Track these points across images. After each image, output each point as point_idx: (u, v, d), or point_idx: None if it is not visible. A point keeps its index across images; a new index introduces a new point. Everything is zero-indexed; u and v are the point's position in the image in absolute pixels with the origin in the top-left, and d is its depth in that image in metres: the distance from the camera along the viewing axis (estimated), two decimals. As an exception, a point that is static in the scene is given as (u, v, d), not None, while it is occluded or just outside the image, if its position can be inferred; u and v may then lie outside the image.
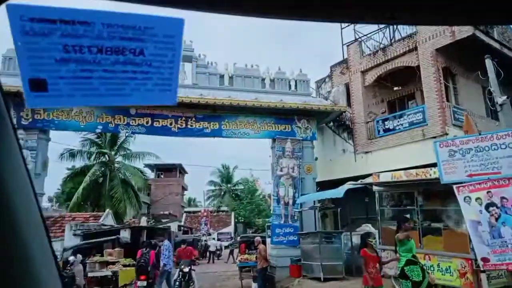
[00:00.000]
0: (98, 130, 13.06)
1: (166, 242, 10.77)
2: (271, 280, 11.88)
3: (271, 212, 13.49)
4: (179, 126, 12.88)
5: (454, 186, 5.80)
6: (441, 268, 7.00)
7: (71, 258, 12.92)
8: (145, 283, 9.57)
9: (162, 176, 47.90)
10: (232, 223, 42.62)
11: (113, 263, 11.95)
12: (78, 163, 26.95)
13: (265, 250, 11.40)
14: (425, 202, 7.69)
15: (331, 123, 15.47)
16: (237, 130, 13.40)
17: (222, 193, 48.56)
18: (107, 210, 22.55)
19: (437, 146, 6.11)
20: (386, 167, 11.05)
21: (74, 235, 17.68)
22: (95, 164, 26.68)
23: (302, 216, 13.12)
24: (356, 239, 11.08)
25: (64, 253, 14.76)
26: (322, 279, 10.10)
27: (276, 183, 13.34)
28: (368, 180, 10.31)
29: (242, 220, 46.26)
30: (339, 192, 10.81)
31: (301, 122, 13.93)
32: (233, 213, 43.49)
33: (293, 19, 0.66)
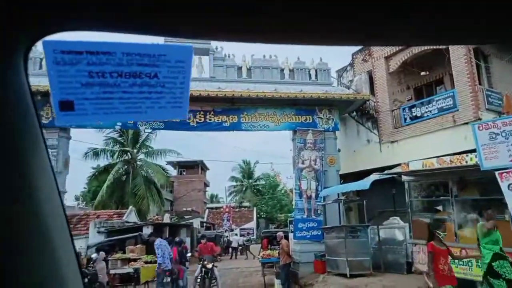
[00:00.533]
0: (117, 127, 12.98)
1: (157, 240, 10.17)
2: (295, 276, 11.46)
3: (293, 206, 13.03)
4: (197, 120, 12.60)
5: (497, 173, 5.20)
6: (480, 264, 6.37)
7: (94, 255, 12.92)
8: (169, 279, 9.87)
9: (184, 173, 48.18)
10: (254, 218, 42.37)
11: (135, 260, 11.84)
12: (102, 161, 27.32)
13: (288, 246, 11.00)
14: (461, 192, 7.05)
15: (354, 113, 14.82)
16: (256, 122, 12.99)
17: (244, 188, 48.38)
18: (130, 207, 22.68)
19: (476, 129, 5.50)
20: (414, 157, 10.34)
21: (98, 232, 17.80)
22: (118, 162, 26.93)
23: (325, 210, 12.60)
24: (383, 233, 10.51)
25: (88, 250, 14.84)
26: (348, 275, 9.60)
27: (298, 176, 12.86)
28: (396, 170, 9.71)
29: (264, 216, 45.98)
30: (365, 183, 10.24)
31: (323, 113, 13.37)
32: (255, 209, 43.22)
33: (280, 43, 0.71)
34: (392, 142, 13.10)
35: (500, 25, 0.68)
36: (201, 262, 10.02)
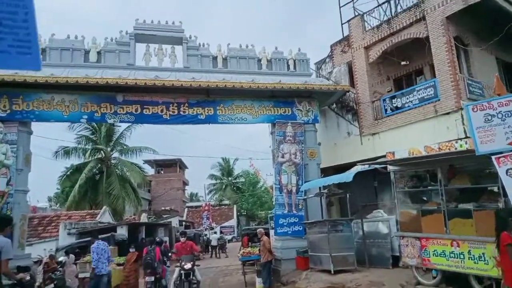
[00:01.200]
0: (83, 120, 11.97)
1: (95, 243, 9.49)
2: (277, 273, 10.91)
3: (274, 202, 12.45)
4: (170, 113, 11.80)
5: (494, 157, 4.75)
6: (473, 256, 5.95)
7: (62, 258, 11.94)
8: (152, 278, 9.60)
9: (162, 171, 46.96)
10: (235, 216, 41.72)
11: (106, 262, 10.92)
12: (74, 161, 25.94)
13: (269, 242, 10.41)
14: (451, 181, 6.63)
15: (334, 105, 14.37)
16: (233, 115, 12.31)
17: (223, 186, 47.62)
18: (104, 207, 21.57)
19: (470, 110, 5.04)
20: (396, 149, 9.97)
21: (69, 234, 16.71)
22: (91, 161, 25.66)
23: (307, 205, 12.09)
24: (367, 227, 10.07)
25: (56, 253, 13.80)
26: (332, 271, 9.09)
27: (277, 171, 12.28)
28: (381, 160, 9.26)
29: (245, 213, 45.40)
30: (347, 176, 9.76)
31: (302, 105, 12.84)
32: (235, 206, 42.58)
33: None
34: (373, 134, 12.72)
35: None
36: (178, 264, 9.08)
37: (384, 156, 7.61)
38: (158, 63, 12.26)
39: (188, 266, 8.71)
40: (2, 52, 0.64)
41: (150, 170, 44.56)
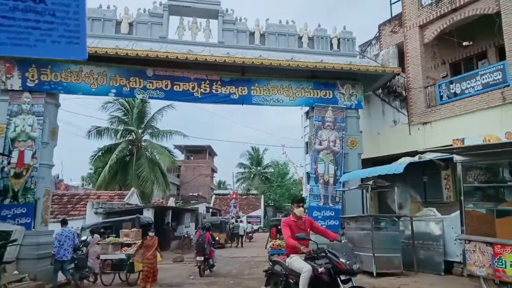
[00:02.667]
0: (111, 94, 11.33)
1: (60, 230, 8.97)
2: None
3: (307, 192, 11.36)
4: (202, 90, 10.93)
5: None
6: None
7: (85, 238, 11.51)
8: (202, 258, 10.52)
9: (191, 157, 46.83)
10: (262, 206, 40.90)
11: (129, 245, 10.33)
12: (106, 141, 25.93)
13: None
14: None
15: (380, 90, 12.99)
16: (269, 96, 11.26)
17: (252, 175, 46.87)
18: (132, 188, 21.28)
19: None
20: (450, 141, 8.59)
21: (96, 213, 16.42)
22: (122, 142, 25.52)
23: (343, 198, 10.93)
24: (417, 226, 8.79)
25: (82, 232, 13.45)
26: (374, 274, 7.96)
27: (313, 159, 11.16)
28: (430, 154, 7.96)
29: (272, 204, 44.54)
30: (397, 167, 8.51)
31: (345, 88, 11.59)
32: (262, 196, 41.72)
33: None
34: (424, 123, 11.29)
35: None
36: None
37: (437, 148, 6.33)
38: (192, 37, 11.41)
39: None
40: (53, 42, 0.68)
41: (180, 156, 44.57)
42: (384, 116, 12.78)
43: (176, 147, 41.25)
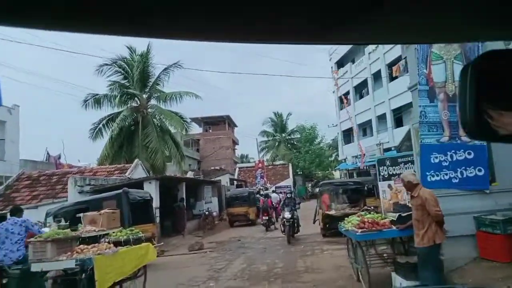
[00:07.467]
0: None
1: (10, 219, 5.42)
2: (438, 266, 4.80)
3: (420, 119, 6.15)
4: None
5: None
6: None
7: (44, 229, 6.88)
8: (267, 218, 13.99)
9: (210, 130, 42.14)
10: (290, 175, 36.01)
11: (95, 239, 5.58)
12: (106, 111, 21.32)
13: (436, 200, 4.20)
14: None
15: None
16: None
17: (276, 143, 41.81)
18: (136, 160, 16.63)
19: None
20: None
21: (80, 192, 11.84)
22: (124, 110, 20.85)
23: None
24: None
25: (46, 219, 8.90)
26: None
27: (422, 58, 5.87)
28: None
29: (301, 172, 39.61)
30: None
31: None
32: (290, 165, 36.75)
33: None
34: None
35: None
36: None
37: None
38: None
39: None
40: None
41: (197, 129, 39.98)
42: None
43: (193, 120, 36.56)
